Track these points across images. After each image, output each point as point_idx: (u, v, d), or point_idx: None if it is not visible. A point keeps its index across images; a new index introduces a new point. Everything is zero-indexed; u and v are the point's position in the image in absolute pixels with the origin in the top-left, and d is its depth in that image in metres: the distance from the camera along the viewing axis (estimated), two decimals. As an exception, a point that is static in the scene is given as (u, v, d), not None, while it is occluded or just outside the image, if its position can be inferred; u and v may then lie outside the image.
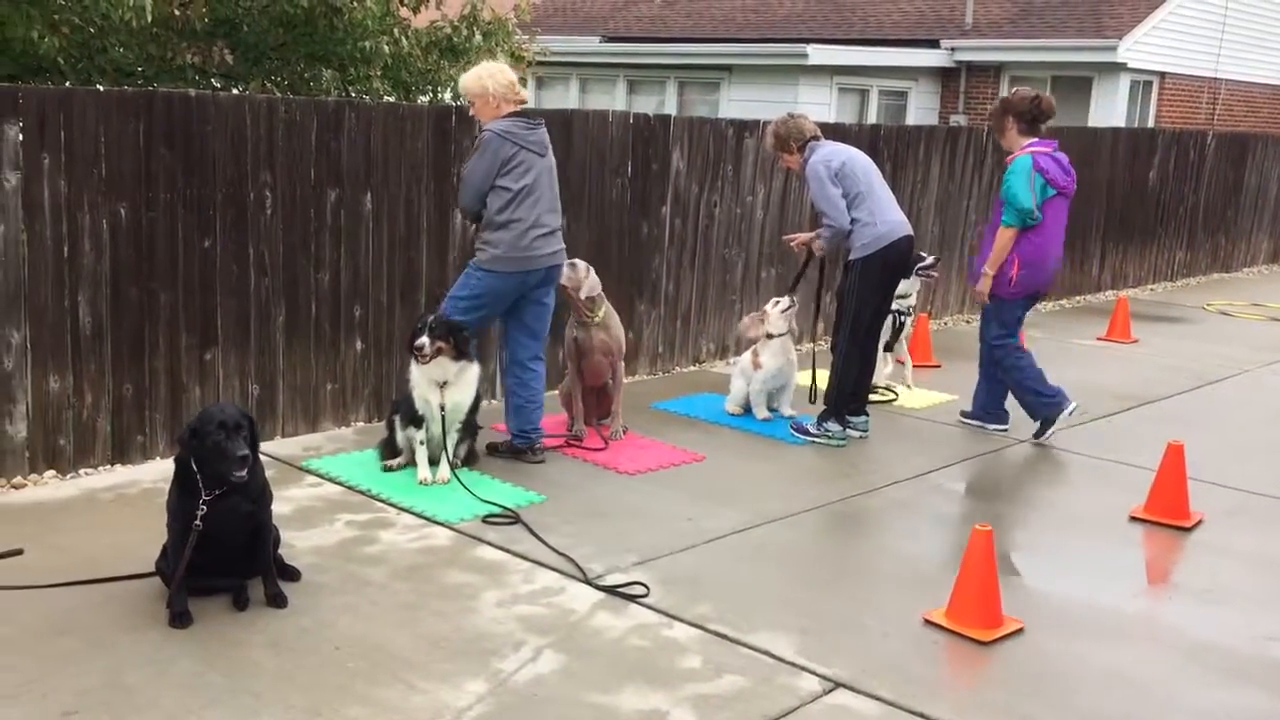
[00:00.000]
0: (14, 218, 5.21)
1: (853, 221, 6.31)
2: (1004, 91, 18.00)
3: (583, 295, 6.23)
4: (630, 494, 5.64)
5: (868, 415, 6.75)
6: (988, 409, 7.02)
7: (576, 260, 6.28)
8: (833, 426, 6.55)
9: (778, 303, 6.97)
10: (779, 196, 8.72)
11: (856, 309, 6.42)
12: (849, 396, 6.58)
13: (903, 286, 7.54)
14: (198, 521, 4.05)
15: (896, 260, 6.43)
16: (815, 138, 6.53)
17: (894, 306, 7.57)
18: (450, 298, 5.85)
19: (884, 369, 7.79)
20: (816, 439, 6.55)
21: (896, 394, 7.68)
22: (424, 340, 5.44)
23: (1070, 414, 6.74)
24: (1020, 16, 18.15)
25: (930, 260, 7.73)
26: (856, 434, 6.65)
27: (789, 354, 6.95)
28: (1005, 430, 6.95)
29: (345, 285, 6.32)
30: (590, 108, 8.31)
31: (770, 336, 6.89)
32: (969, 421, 7.08)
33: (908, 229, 6.45)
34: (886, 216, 6.34)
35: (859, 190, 6.30)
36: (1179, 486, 5.55)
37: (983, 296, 6.72)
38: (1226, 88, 19.13)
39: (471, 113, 5.89)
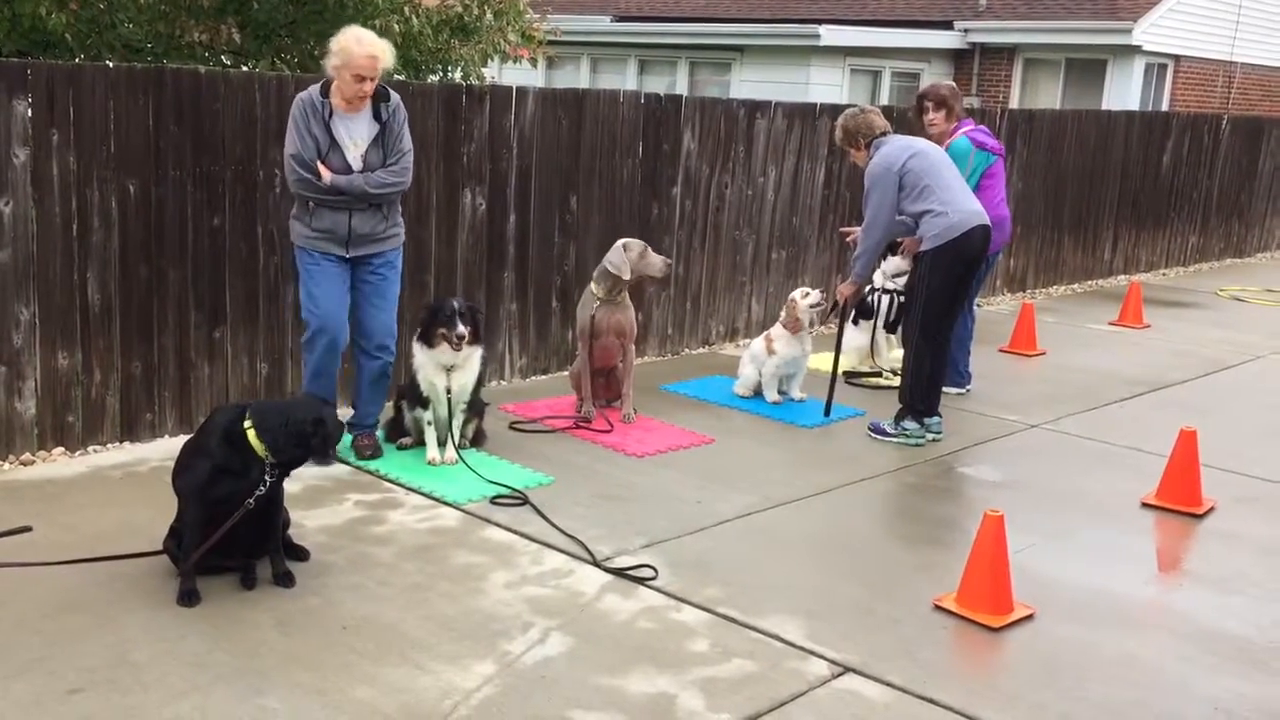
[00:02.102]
0: (23, 194, 5.19)
1: (924, 213, 6.10)
2: (1017, 74, 17.92)
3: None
4: (639, 476, 5.62)
5: (940, 416, 6.40)
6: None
7: (641, 245, 6.35)
8: (910, 425, 6.30)
9: (807, 294, 6.92)
10: (790, 178, 8.67)
11: (926, 302, 6.17)
12: (925, 393, 6.30)
13: (897, 264, 7.57)
14: (251, 501, 4.09)
15: (970, 251, 6.14)
16: (884, 134, 6.34)
17: (891, 286, 7.60)
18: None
19: (890, 351, 7.76)
20: (894, 438, 6.31)
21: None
22: (464, 330, 5.42)
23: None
24: (1035, -2, 18.02)
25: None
26: (930, 436, 6.35)
27: (804, 344, 6.92)
28: (963, 392, 7.34)
29: (354, 264, 6.30)
30: (601, 88, 8.27)
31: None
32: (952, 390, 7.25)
33: (983, 219, 6.17)
34: (959, 206, 6.09)
35: (927, 183, 6.09)
36: (1191, 473, 5.51)
37: None
38: (1242, 71, 18.98)
39: (368, 87, 5.27)
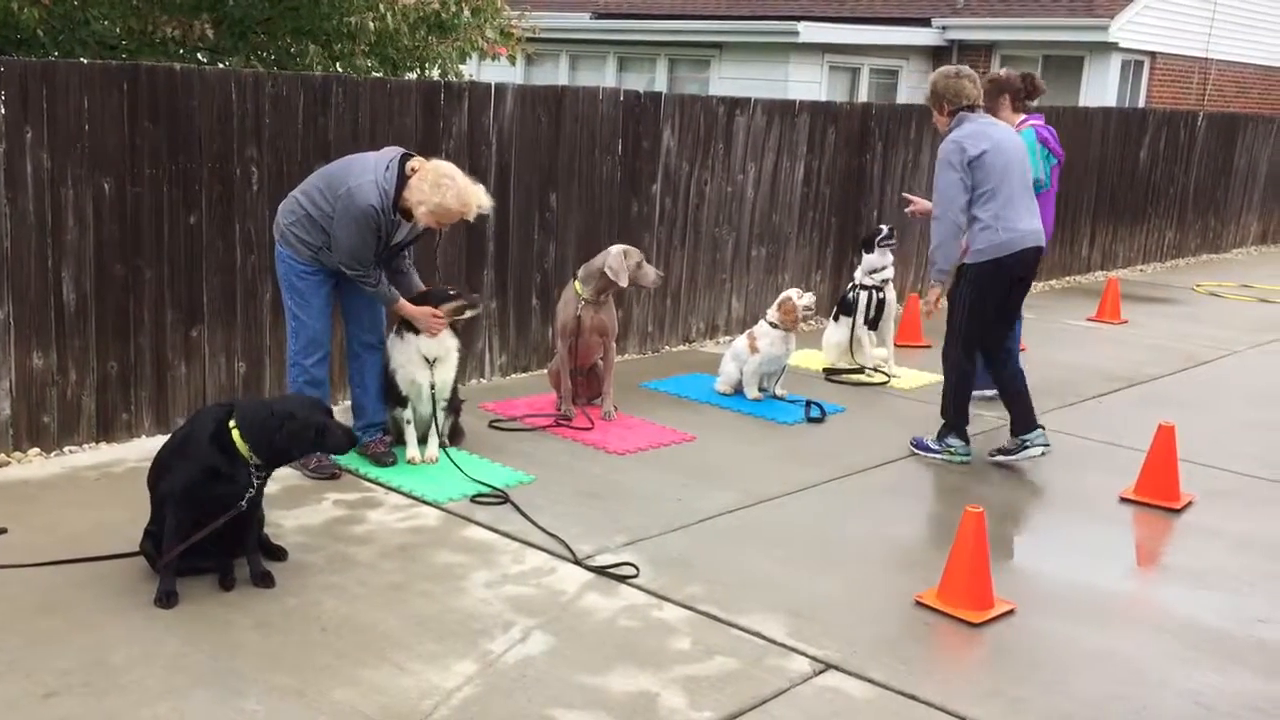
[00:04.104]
0: (-4, 192, 5.14)
1: (973, 220, 5.70)
2: (995, 70, 17.98)
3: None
4: (620, 474, 5.61)
5: (1042, 427, 6.00)
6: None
7: (639, 254, 6.31)
8: (954, 442, 6.00)
9: (803, 295, 6.91)
10: (770, 175, 8.67)
11: (966, 320, 5.83)
12: (965, 408, 6.01)
13: (873, 261, 7.62)
14: (243, 503, 4.09)
15: (1017, 271, 5.80)
16: (971, 108, 5.81)
17: (869, 282, 7.63)
18: None
19: (871, 349, 7.77)
20: (938, 456, 6.03)
21: (888, 376, 7.66)
22: (473, 298, 5.54)
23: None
24: (1012, -5, 18.10)
25: (887, 230, 7.77)
26: (1037, 452, 5.94)
27: (788, 343, 6.91)
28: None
29: (333, 262, 6.26)
30: (580, 85, 8.23)
31: (774, 326, 6.85)
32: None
33: (1038, 239, 5.81)
34: (1014, 223, 5.68)
35: (990, 187, 5.65)
36: (1169, 468, 5.54)
37: None
38: (1217, 68, 19.11)
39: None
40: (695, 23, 18.12)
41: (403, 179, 5.06)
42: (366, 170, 5.07)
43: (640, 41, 18.18)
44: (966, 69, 6.01)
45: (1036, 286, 11.61)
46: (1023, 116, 6.85)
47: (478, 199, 5.13)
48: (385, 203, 5.04)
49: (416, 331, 5.45)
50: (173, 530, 4.06)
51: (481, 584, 4.35)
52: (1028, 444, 5.95)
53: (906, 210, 6.96)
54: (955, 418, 6.03)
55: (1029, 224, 5.78)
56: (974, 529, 4.29)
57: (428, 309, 5.46)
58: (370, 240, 5.11)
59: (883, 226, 7.86)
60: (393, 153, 5.17)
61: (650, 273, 6.35)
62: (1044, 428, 6.01)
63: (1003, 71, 6.97)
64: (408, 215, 5.14)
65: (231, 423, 4.09)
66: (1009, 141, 5.80)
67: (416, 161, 5.11)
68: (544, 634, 4.00)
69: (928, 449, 6.11)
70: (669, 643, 3.99)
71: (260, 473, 4.14)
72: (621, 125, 7.59)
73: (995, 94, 6.73)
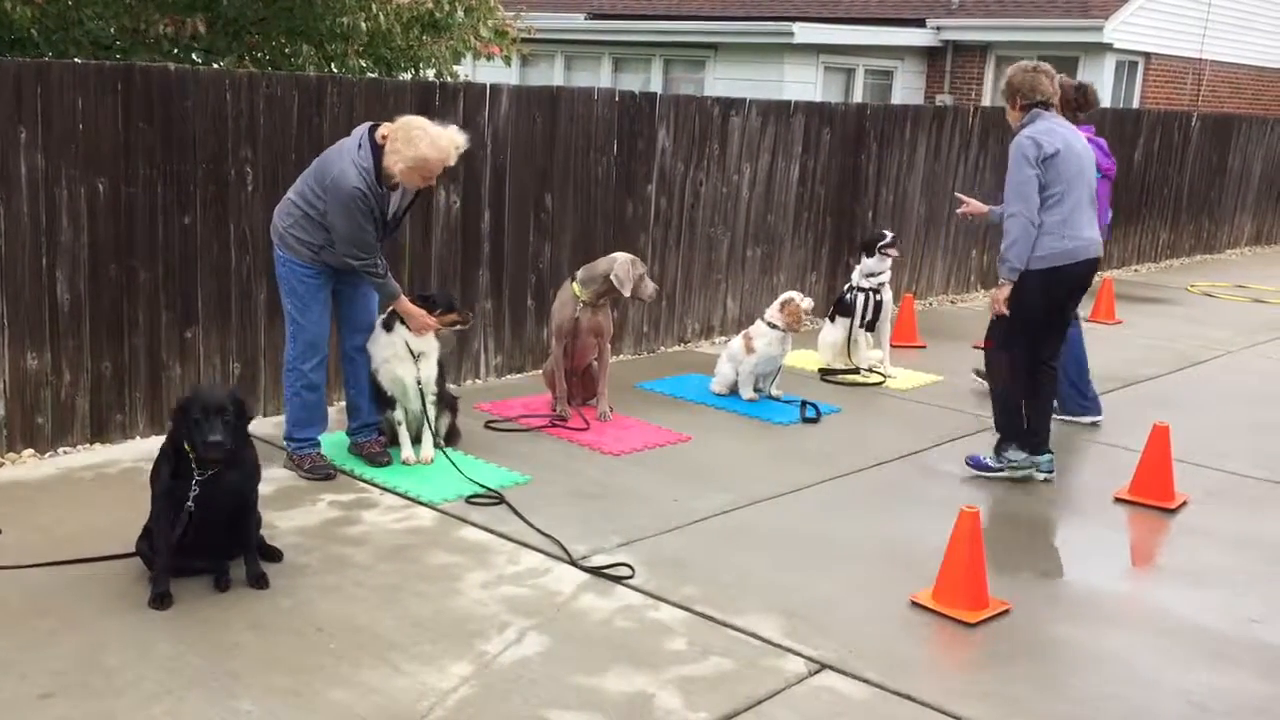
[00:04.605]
0: (-10, 193, 5.13)
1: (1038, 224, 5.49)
2: (990, 72, 18.00)
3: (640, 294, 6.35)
4: (616, 475, 5.61)
5: (1052, 453, 5.82)
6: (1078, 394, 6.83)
7: (644, 266, 6.33)
8: (1015, 455, 5.74)
9: (803, 299, 6.90)
10: (765, 175, 8.67)
11: (1016, 326, 5.59)
12: (1016, 416, 5.75)
13: (872, 265, 7.62)
14: (190, 503, 4.01)
15: (1072, 281, 5.60)
16: (1045, 105, 5.61)
17: (866, 285, 7.63)
18: None
19: (868, 350, 7.78)
20: (999, 473, 5.78)
21: (884, 376, 7.67)
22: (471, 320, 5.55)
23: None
24: (1007, -4, 18.12)
25: (890, 237, 7.75)
26: (1040, 476, 5.77)
27: (784, 343, 6.91)
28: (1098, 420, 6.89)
29: (328, 263, 6.25)
30: (575, 86, 8.25)
31: (772, 326, 6.86)
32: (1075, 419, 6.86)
33: (1098, 249, 5.63)
34: (1078, 231, 5.50)
35: (1059, 190, 5.45)
36: (1164, 468, 5.55)
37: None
38: (1211, 69, 19.14)
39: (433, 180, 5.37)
40: (690, 23, 18.13)
41: (377, 149, 5.08)
42: (344, 155, 5.11)
43: (635, 42, 18.19)
44: (1045, 65, 5.76)
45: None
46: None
47: (453, 140, 5.13)
48: (369, 179, 5.05)
49: (405, 325, 5.47)
50: (160, 527, 4.06)
51: (477, 585, 4.35)
52: (1032, 465, 5.81)
53: (959, 211, 6.55)
54: (1009, 427, 5.77)
55: (1091, 233, 5.61)
56: (969, 529, 4.29)
57: (424, 311, 5.47)
58: (367, 223, 5.10)
59: (886, 232, 7.85)
60: (361, 129, 5.19)
61: (649, 286, 6.36)
62: (1053, 454, 5.85)
63: (1059, 78, 6.48)
64: (394, 184, 5.16)
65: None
66: (1080, 145, 5.62)
67: (385, 128, 5.13)
68: (539, 635, 3.99)
69: (986, 467, 5.84)
70: (664, 643, 3.98)
71: (199, 470, 4.02)
72: (616, 126, 7.59)
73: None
